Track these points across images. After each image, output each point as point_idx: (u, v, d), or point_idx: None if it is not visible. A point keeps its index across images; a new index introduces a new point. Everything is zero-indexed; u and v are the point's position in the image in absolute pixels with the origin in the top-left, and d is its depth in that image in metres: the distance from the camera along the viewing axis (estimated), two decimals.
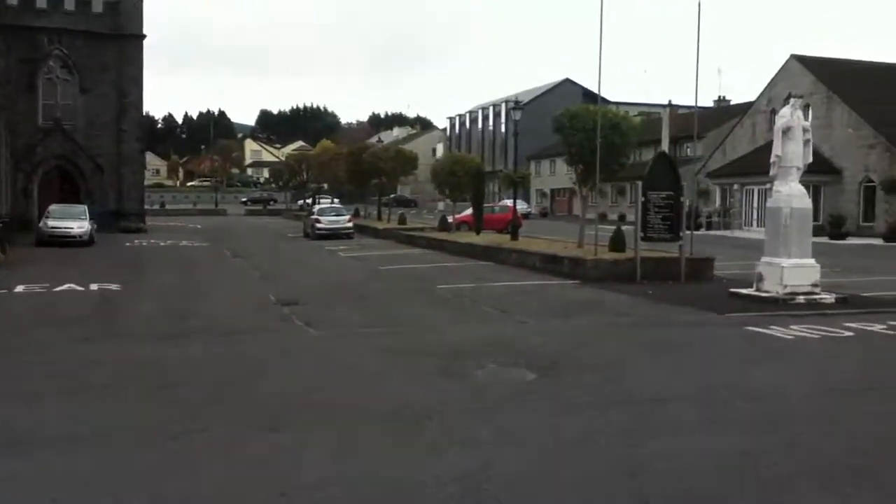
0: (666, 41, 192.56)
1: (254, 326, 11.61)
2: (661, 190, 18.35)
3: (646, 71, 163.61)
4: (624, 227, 21.07)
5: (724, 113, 58.88)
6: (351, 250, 28.62)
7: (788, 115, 14.88)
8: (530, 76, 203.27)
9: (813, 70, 41.63)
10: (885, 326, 11.88)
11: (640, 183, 18.33)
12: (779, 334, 11.07)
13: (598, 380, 8.09)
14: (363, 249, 28.97)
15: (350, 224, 36.24)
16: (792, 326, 11.72)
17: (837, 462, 5.60)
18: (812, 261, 14.85)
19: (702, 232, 44.60)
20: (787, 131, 14.80)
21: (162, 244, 31.32)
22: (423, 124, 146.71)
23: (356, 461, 5.62)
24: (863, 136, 39.27)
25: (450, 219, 36.25)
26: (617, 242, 20.17)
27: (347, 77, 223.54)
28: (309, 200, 64.63)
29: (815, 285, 14.68)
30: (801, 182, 15.18)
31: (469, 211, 37.96)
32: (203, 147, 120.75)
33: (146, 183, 50.27)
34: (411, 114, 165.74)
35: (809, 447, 5.94)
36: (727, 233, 42.64)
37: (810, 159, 15.16)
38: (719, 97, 65.96)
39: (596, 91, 71.34)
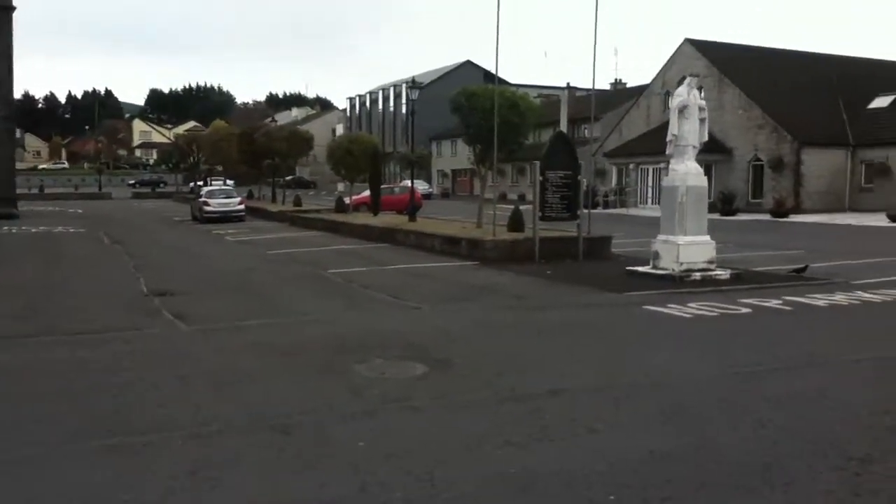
0: (565, 24, 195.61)
1: (112, 323, 10.27)
2: (559, 169, 17.98)
3: (546, 54, 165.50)
4: (523, 207, 20.65)
5: (621, 95, 59.85)
6: (240, 234, 27.20)
7: (685, 93, 14.66)
8: (433, 59, 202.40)
9: (706, 53, 42.56)
10: (780, 302, 11.79)
11: (537, 163, 17.89)
12: (677, 313, 10.76)
13: (493, 372, 7.43)
14: (253, 233, 27.58)
15: (241, 206, 34.65)
16: (690, 304, 11.46)
17: (749, 460, 5.11)
18: (707, 237, 14.75)
19: (599, 210, 45.15)
20: (683, 110, 14.58)
21: (33, 231, 28.95)
22: (323, 105, 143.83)
23: (207, 483, 4.73)
24: (752, 118, 40.46)
25: (347, 200, 35.24)
26: (515, 222, 19.73)
27: (244, 56, 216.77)
28: (200, 183, 62.07)
29: (710, 262, 14.59)
30: (696, 161, 15.03)
31: (368, 192, 37.13)
32: (87, 128, 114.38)
33: (24, 166, 46.78)
34: (311, 94, 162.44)
35: (719, 443, 5.44)
36: (623, 211, 43.29)
37: (706, 138, 15.03)
38: (616, 80, 67.06)
39: (494, 71, 71.13)
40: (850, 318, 10.49)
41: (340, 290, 13.47)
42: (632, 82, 63.99)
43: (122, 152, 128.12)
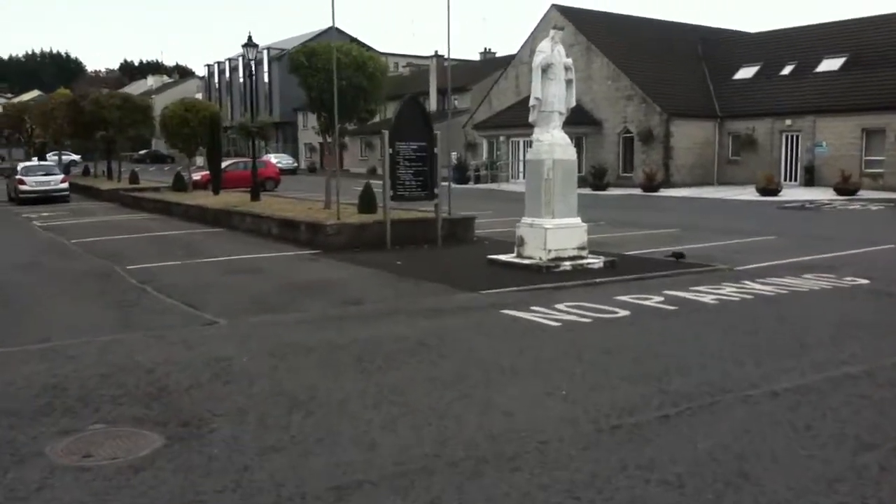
0: None
1: None
2: (412, 140, 15.52)
3: (413, 21, 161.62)
4: (374, 184, 18.13)
5: (490, 65, 58.13)
6: (54, 217, 23.33)
7: (548, 49, 12.49)
8: (302, 26, 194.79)
9: (573, 20, 41.13)
10: (661, 299, 9.87)
11: (386, 132, 15.36)
12: (543, 320, 8.60)
13: (264, 442, 4.92)
14: (71, 216, 23.74)
15: (64, 185, 30.40)
16: (557, 306, 9.34)
17: None
18: (578, 220, 12.74)
19: (470, 185, 43.35)
20: (546, 69, 12.41)
21: None
22: (182, 73, 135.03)
23: None
24: (621, 89, 39.46)
25: (196, 176, 31.57)
26: (366, 202, 17.18)
27: (96, 21, 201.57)
28: (35, 159, 55.73)
29: (581, 248, 12.60)
30: (564, 131, 12.96)
31: (222, 166, 33.57)
32: None
33: None
34: (169, 62, 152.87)
35: None
36: (494, 186, 41.60)
37: (573, 103, 12.93)
38: (486, 49, 65.41)
39: (365, 41, 68.49)
40: (749, 321, 8.62)
41: (124, 295, 10.51)
42: (502, 52, 62.48)
43: None
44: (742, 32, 46.82)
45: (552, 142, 12.43)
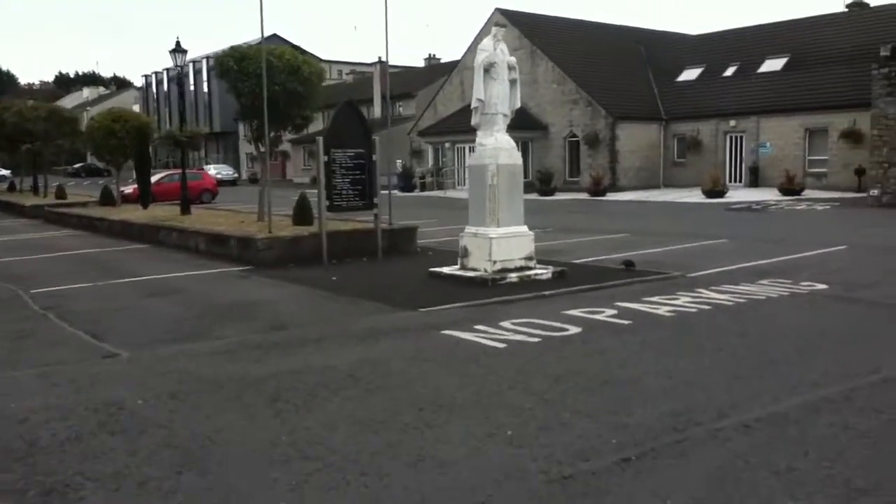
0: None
1: None
2: (349, 147, 14.61)
3: (356, 28, 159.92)
4: (311, 193, 17.14)
5: (436, 71, 57.50)
6: None
7: (490, 47, 11.73)
8: (240, 33, 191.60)
9: (518, 25, 40.65)
10: (613, 312, 9.16)
11: (320, 139, 14.41)
12: (487, 341, 7.78)
13: None
14: None
15: None
16: (503, 323, 8.55)
17: None
18: (525, 228, 11.99)
19: (416, 193, 42.53)
20: (489, 68, 11.65)
21: None
22: (120, 84, 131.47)
23: None
24: (567, 92, 39.10)
25: (128, 189, 30.11)
26: (301, 214, 16.20)
27: (26, 32, 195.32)
28: None
29: (529, 258, 11.85)
30: (509, 135, 12.23)
31: (155, 179, 32.09)
32: None
33: None
34: (106, 73, 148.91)
35: None
36: (440, 193, 40.85)
37: (518, 104, 12.18)
38: (430, 55, 64.75)
39: (306, 48, 67.10)
40: (709, 337, 7.94)
41: (21, 324, 9.37)
42: (447, 57, 61.90)
43: None
44: (685, 35, 47.01)
45: (496, 146, 11.66)
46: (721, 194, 30.43)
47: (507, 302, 9.99)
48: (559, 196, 35.70)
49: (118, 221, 20.65)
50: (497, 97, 11.62)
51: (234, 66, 16.80)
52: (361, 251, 14.86)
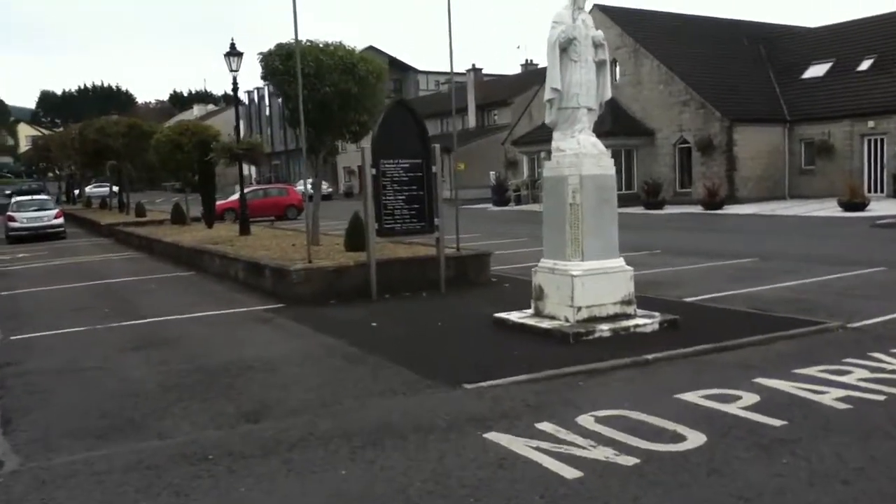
0: (469, 9, 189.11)
1: None
2: (402, 157, 11.95)
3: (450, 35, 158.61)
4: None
5: (532, 77, 54.41)
6: (24, 259, 20.64)
7: (568, 19, 8.75)
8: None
9: (618, 21, 37.22)
10: (754, 399, 6.08)
11: (366, 148, 11.81)
12: (551, 460, 4.89)
13: None
14: (45, 257, 20.87)
15: (59, 220, 27.73)
16: (582, 420, 5.65)
17: None
18: (620, 261, 8.93)
19: (511, 207, 39.58)
20: (567, 47, 8.70)
21: None
22: (229, 101, 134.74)
23: None
24: (675, 93, 35.31)
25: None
26: (354, 238, 13.61)
27: (145, 54, 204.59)
28: (88, 188, 54.04)
29: (626, 301, 8.80)
30: (607, 146, 9.26)
31: (235, 196, 30.60)
32: None
33: None
34: (217, 90, 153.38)
35: None
36: (536, 207, 37.69)
37: (609, 94, 9.13)
38: (527, 60, 61.75)
39: (403, 60, 65.54)
40: None
41: None
42: (544, 62, 58.73)
43: (7, 160, 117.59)
44: (807, 28, 42.16)
45: (578, 150, 8.69)
46: (861, 207, 26.06)
47: (593, 373, 7.01)
48: (668, 209, 31.98)
49: (171, 244, 18.77)
50: (579, 85, 8.65)
51: (280, 65, 14.50)
52: (421, 282, 12.19)
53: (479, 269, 13.06)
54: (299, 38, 15.02)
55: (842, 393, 6.22)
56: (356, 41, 17.92)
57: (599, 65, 8.80)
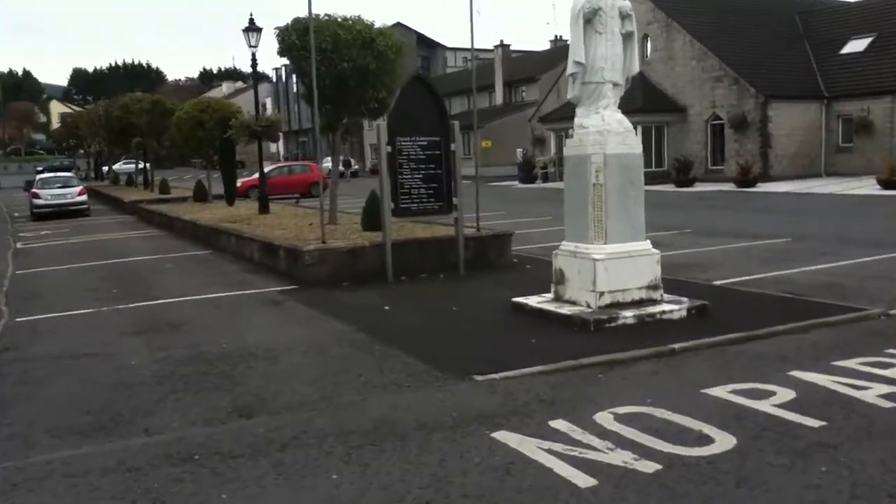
0: None
1: None
2: (420, 135, 11.48)
3: (479, 12, 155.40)
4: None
5: (561, 53, 53.23)
6: (48, 237, 20.63)
7: None
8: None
9: None
10: (789, 395, 5.63)
11: (381, 123, 11.36)
12: (563, 465, 4.48)
13: None
14: (68, 235, 20.81)
15: (82, 197, 27.69)
16: (600, 418, 5.24)
17: None
18: (647, 244, 8.42)
19: (538, 185, 38.95)
20: (591, 17, 8.13)
21: None
22: (258, 78, 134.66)
23: None
24: (708, 69, 34.27)
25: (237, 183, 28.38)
26: (371, 217, 13.19)
27: (176, 32, 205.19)
28: (115, 166, 54.36)
29: (652, 286, 8.30)
30: (636, 122, 8.71)
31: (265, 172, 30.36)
32: None
33: None
34: (247, 68, 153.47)
35: None
36: (562, 184, 36.91)
37: (636, 68, 8.56)
38: (556, 36, 60.59)
39: (432, 37, 64.64)
40: None
41: None
42: None
43: (40, 136, 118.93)
44: (846, 2, 40.65)
45: (602, 127, 8.16)
46: None
47: (614, 365, 6.55)
48: (699, 187, 31.14)
49: (190, 222, 18.53)
50: (604, 58, 8.09)
51: (297, 41, 14.03)
52: (439, 264, 11.77)
53: (500, 250, 12.59)
54: (318, 12, 14.76)
55: (886, 389, 5.70)
56: (384, 17, 17.25)
57: (626, 37, 8.23)
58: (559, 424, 5.13)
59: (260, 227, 15.38)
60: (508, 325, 8.16)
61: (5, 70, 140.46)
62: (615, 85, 8.31)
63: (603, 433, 4.96)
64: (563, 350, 6.89)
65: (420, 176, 11.48)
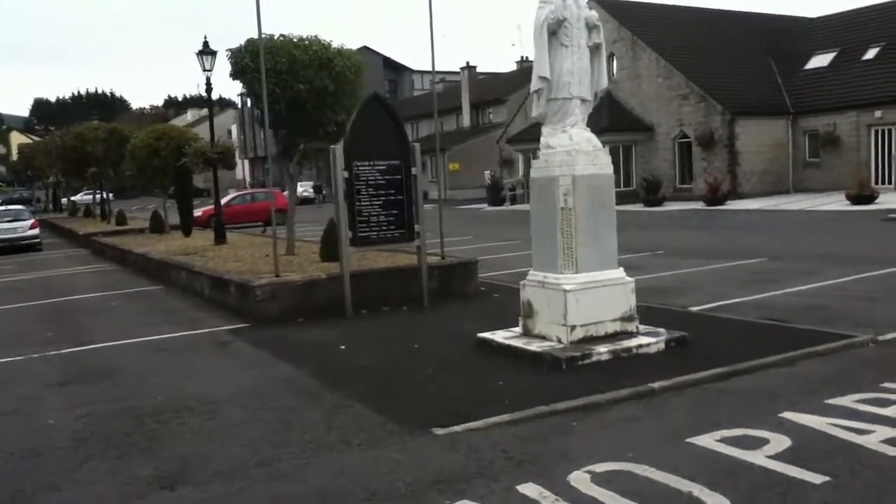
0: (464, 8, 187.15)
1: None
2: (378, 158, 10.84)
3: (444, 35, 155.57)
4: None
5: (527, 74, 53.20)
6: None
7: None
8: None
9: (615, 14, 36.06)
10: (784, 443, 5.01)
11: (336, 147, 10.69)
12: None
13: None
14: (11, 272, 19.67)
15: (34, 231, 26.56)
16: (574, 480, 4.60)
17: None
18: (620, 272, 7.82)
19: (505, 207, 38.45)
20: (556, 30, 7.56)
21: None
22: (224, 105, 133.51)
23: None
24: (674, 87, 34.18)
25: (197, 212, 27.47)
26: (330, 248, 12.49)
27: (138, 60, 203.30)
28: (75, 197, 53.10)
29: (627, 318, 7.69)
30: (604, 142, 8.13)
31: (225, 199, 29.44)
32: None
33: None
34: (213, 95, 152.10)
35: None
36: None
37: (605, 82, 7.99)
38: (522, 58, 60.47)
39: (398, 60, 64.46)
40: None
41: None
42: None
43: (0, 168, 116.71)
44: (809, 18, 40.97)
45: (571, 147, 7.56)
46: (870, 200, 24.95)
47: (589, 410, 5.90)
48: (669, 206, 30.86)
49: (141, 255, 17.65)
50: (570, 73, 7.51)
51: (251, 62, 13.35)
52: (402, 295, 11.08)
53: (466, 278, 11.94)
54: (274, 34, 14.12)
55: (889, 432, 5.11)
56: (351, 42, 16.66)
57: (594, 49, 7.67)
58: (529, 490, 4.45)
59: (214, 259, 14.59)
60: (474, 365, 7.47)
61: None
62: (583, 101, 7.73)
63: (578, 500, 4.29)
64: (533, 393, 6.23)
65: (379, 202, 10.82)
